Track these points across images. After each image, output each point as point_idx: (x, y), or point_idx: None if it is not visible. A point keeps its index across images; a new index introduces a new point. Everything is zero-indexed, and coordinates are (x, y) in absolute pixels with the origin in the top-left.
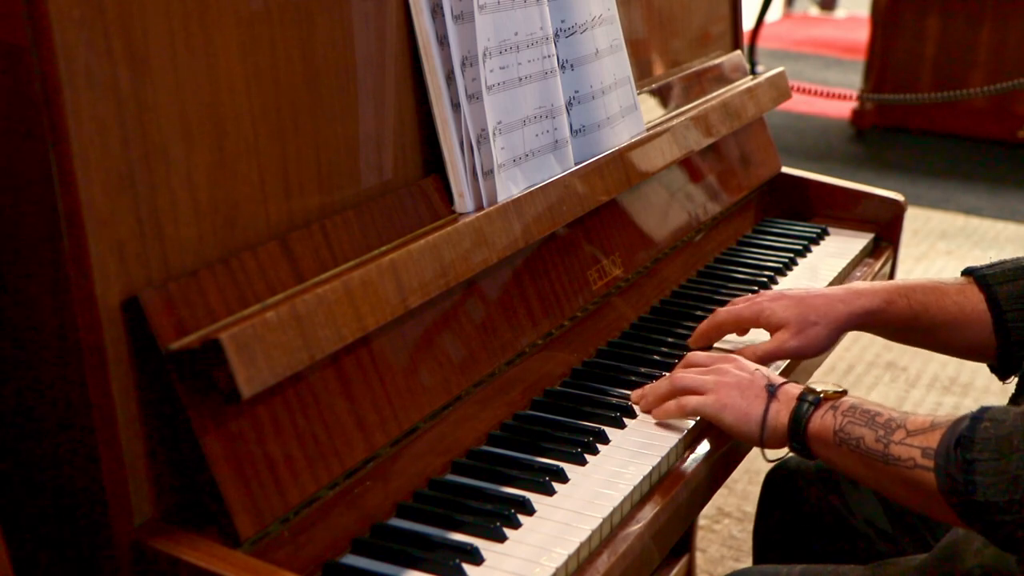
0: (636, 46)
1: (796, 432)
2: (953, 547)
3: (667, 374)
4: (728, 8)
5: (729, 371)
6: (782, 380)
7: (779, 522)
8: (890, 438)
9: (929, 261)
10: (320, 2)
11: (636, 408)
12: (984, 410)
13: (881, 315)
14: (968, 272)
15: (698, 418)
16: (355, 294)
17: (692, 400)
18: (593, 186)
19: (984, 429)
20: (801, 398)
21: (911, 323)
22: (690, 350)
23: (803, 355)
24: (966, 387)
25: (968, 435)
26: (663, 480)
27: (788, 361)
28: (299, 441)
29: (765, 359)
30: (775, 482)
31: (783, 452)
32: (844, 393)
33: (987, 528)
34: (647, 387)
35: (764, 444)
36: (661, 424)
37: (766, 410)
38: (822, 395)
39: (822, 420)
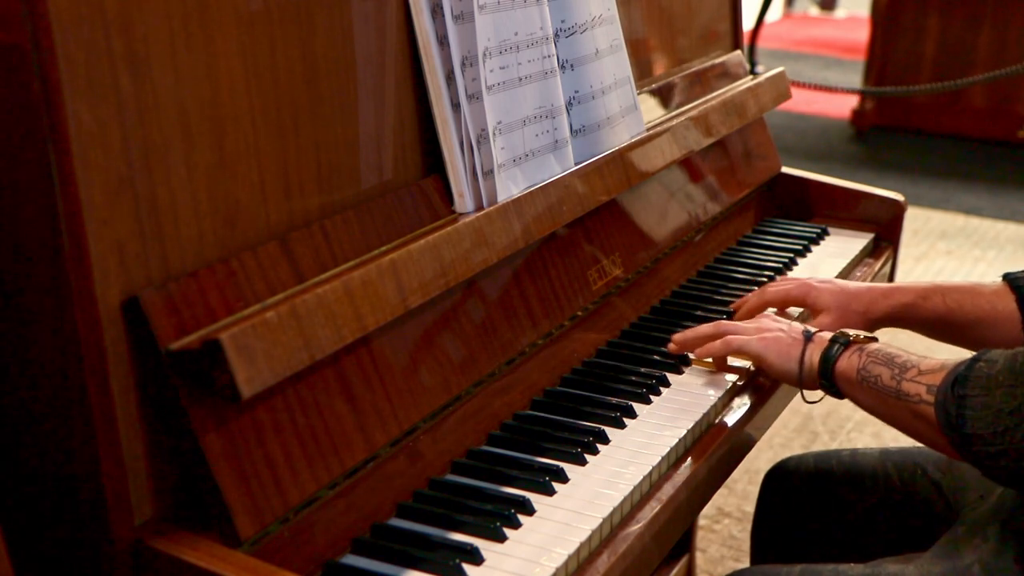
0: (636, 46)
1: (825, 370)
2: (952, 544)
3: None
4: (728, 8)
5: (770, 322)
6: (817, 329)
7: (778, 522)
8: (903, 376)
9: (929, 261)
10: (320, 2)
11: (636, 407)
12: (983, 352)
13: (916, 310)
14: (1005, 277)
15: (698, 418)
16: (355, 294)
17: (737, 338)
18: (593, 186)
19: (979, 368)
20: (833, 340)
21: (945, 319)
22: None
23: None
24: None
25: (964, 374)
26: (663, 479)
27: None
28: (299, 441)
29: None
30: (774, 482)
31: (819, 396)
32: (874, 340)
33: (976, 459)
34: (688, 330)
35: (802, 383)
36: (661, 424)
37: (803, 351)
38: (852, 338)
39: (848, 360)
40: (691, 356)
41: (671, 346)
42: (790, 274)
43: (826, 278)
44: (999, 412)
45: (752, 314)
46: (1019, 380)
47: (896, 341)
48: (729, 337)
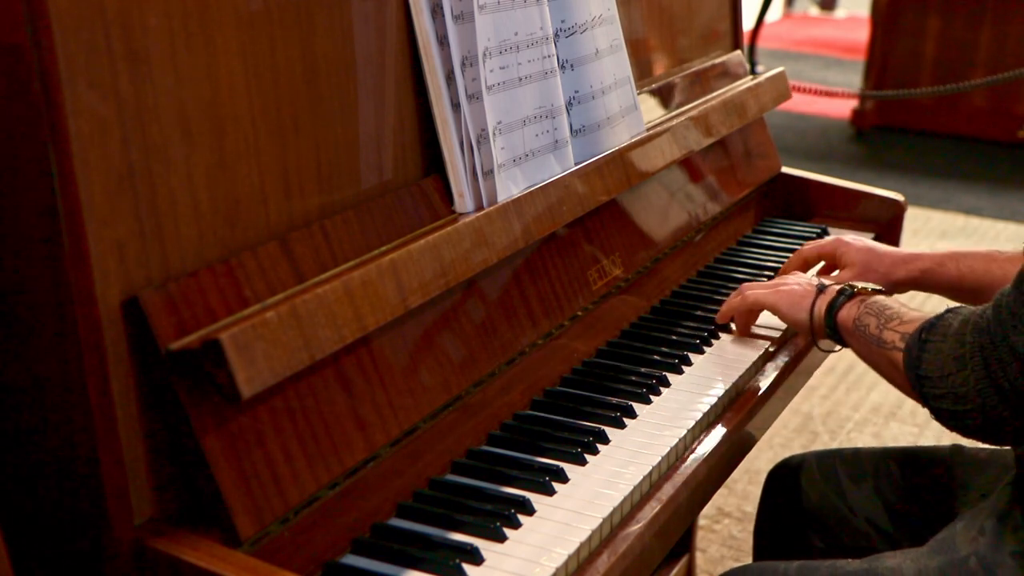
0: (636, 46)
1: (829, 318)
2: (949, 538)
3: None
4: (728, 8)
5: (789, 278)
6: (832, 283)
7: (780, 520)
8: (886, 325)
9: None
10: (320, 2)
11: (636, 407)
12: (958, 306)
13: (933, 275)
14: None
15: (698, 417)
16: (355, 294)
17: (752, 293)
18: (593, 186)
19: (946, 319)
20: (840, 291)
21: (958, 284)
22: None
23: None
24: None
25: (933, 322)
26: (663, 479)
27: None
28: (299, 441)
29: None
30: (777, 480)
31: (835, 347)
32: (879, 292)
33: (925, 400)
34: (724, 305)
35: (813, 332)
36: (661, 424)
37: (814, 301)
38: (857, 290)
39: (848, 310)
40: (731, 326)
41: (718, 317)
42: None
43: (856, 236)
44: (947, 357)
45: (788, 271)
46: (970, 330)
47: (913, 303)
48: (746, 293)
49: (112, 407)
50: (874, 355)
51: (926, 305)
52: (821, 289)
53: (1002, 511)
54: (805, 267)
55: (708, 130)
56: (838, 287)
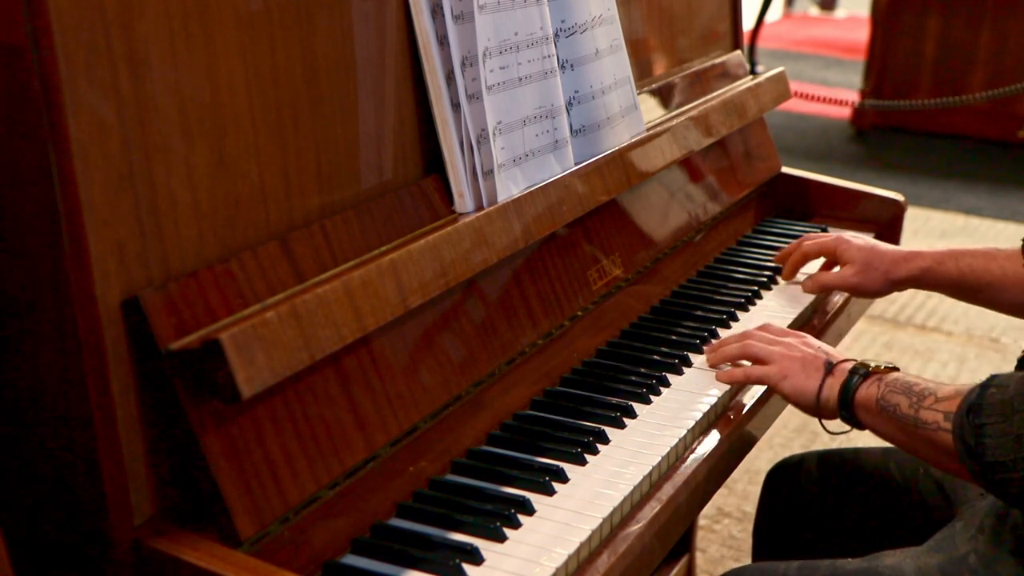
0: (636, 46)
1: (845, 401)
2: (949, 537)
3: (738, 332)
4: (728, 8)
5: (795, 346)
6: (841, 358)
7: (780, 520)
8: (921, 404)
9: None
10: (320, 2)
11: (636, 407)
12: (992, 378)
13: (932, 274)
14: None
15: (698, 417)
16: (355, 294)
17: (757, 371)
18: (593, 186)
19: (991, 395)
20: (852, 371)
21: (958, 282)
22: (708, 334)
23: (859, 292)
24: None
25: (977, 402)
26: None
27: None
28: (299, 441)
29: (828, 286)
30: (777, 480)
31: (845, 428)
32: (894, 369)
33: (997, 486)
34: (717, 343)
35: (819, 415)
36: (661, 424)
37: (821, 384)
38: (872, 369)
39: (867, 390)
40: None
41: (708, 360)
42: None
43: (856, 234)
44: (1019, 438)
45: (796, 268)
46: None
47: (913, 302)
48: (749, 370)
49: (112, 407)
50: (912, 436)
51: (927, 304)
52: (829, 369)
53: (1001, 510)
54: (804, 262)
55: (708, 130)
56: (849, 366)
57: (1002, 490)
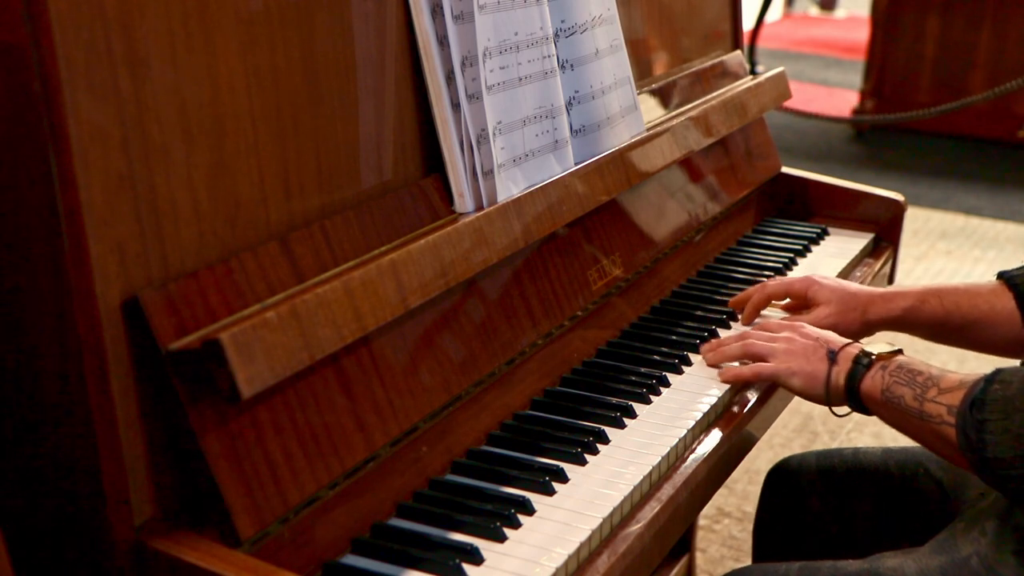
0: (636, 46)
1: (851, 390)
2: (951, 538)
3: (736, 332)
4: (728, 8)
5: (795, 339)
6: (843, 343)
7: (780, 521)
8: (925, 396)
9: (929, 261)
10: (320, 2)
11: (636, 407)
12: (997, 372)
13: (914, 314)
14: (1000, 275)
15: (698, 417)
16: (355, 294)
17: (766, 368)
18: (593, 186)
19: (994, 391)
20: (856, 360)
21: (943, 321)
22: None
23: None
24: None
25: (980, 397)
26: (663, 479)
27: None
28: (299, 441)
29: None
30: (776, 480)
31: (847, 410)
32: (897, 352)
33: (998, 482)
34: (715, 342)
35: (830, 403)
36: (661, 424)
37: (828, 375)
38: (875, 356)
39: (872, 380)
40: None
41: (707, 359)
42: (790, 274)
43: (828, 276)
44: (1019, 436)
45: (757, 309)
46: None
47: (898, 340)
48: (756, 367)
49: (112, 407)
50: (916, 428)
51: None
52: (833, 358)
53: (1003, 511)
54: (766, 304)
55: (708, 130)
56: (854, 352)
57: (1003, 486)
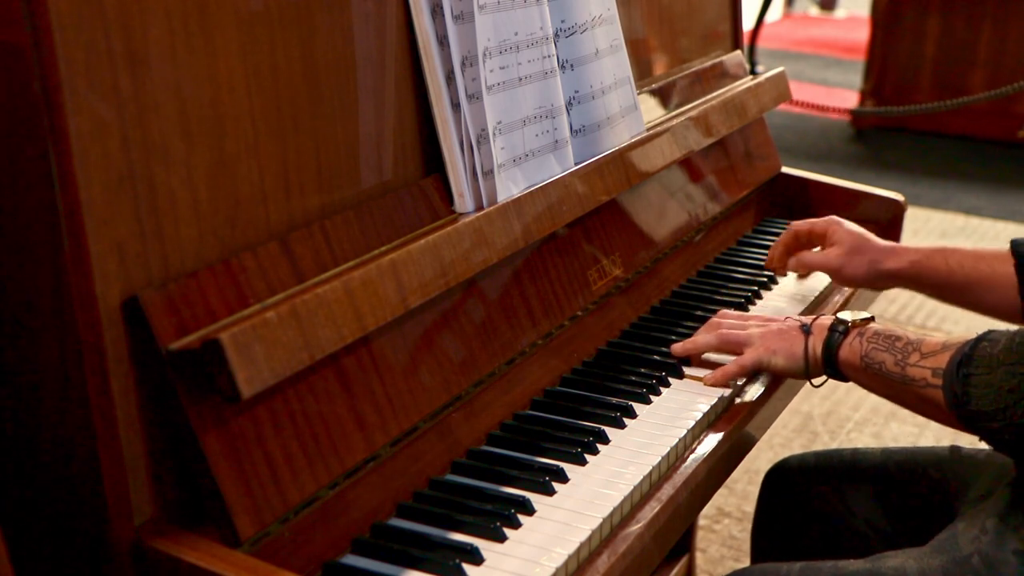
0: (636, 46)
1: (829, 359)
2: (952, 538)
3: (705, 324)
4: (728, 8)
5: (767, 324)
6: (812, 317)
7: (779, 521)
8: (906, 361)
9: None
10: (320, 2)
11: (636, 407)
12: (988, 332)
13: (920, 267)
14: (1012, 242)
15: (698, 417)
16: (355, 294)
17: (747, 357)
18: (593, 186)
19: (983, 348)
20: (832, 328)
21: (946, 279)
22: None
23: (840, 276)
24: None
25: (969, 353)
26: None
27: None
28: (299, 441)
29: (810, 265)
30: (775, 481)
31: (823, 379)
32: (870, 319)
33: (983, 434)
34: (689, 341)
35: (809, 376)
36: (661, 424)
37: (806, 347)
38: (850, 324)
39: (850, 347)
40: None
41: (675, 348)
42: (790, 274)
43: (850, 222)
44: (1000, 390)
45: (786, 250)
46: (1019, 359)
47: (915, 300)
48: (739, 360)
49: (112, 407)
50: (899, 392)
51: (927, 304)
52: (806, 329)
53: (1003, 510)
54: (796, 243)
55: (708, 130)
56: (827, 322)
57: (988, 438)
